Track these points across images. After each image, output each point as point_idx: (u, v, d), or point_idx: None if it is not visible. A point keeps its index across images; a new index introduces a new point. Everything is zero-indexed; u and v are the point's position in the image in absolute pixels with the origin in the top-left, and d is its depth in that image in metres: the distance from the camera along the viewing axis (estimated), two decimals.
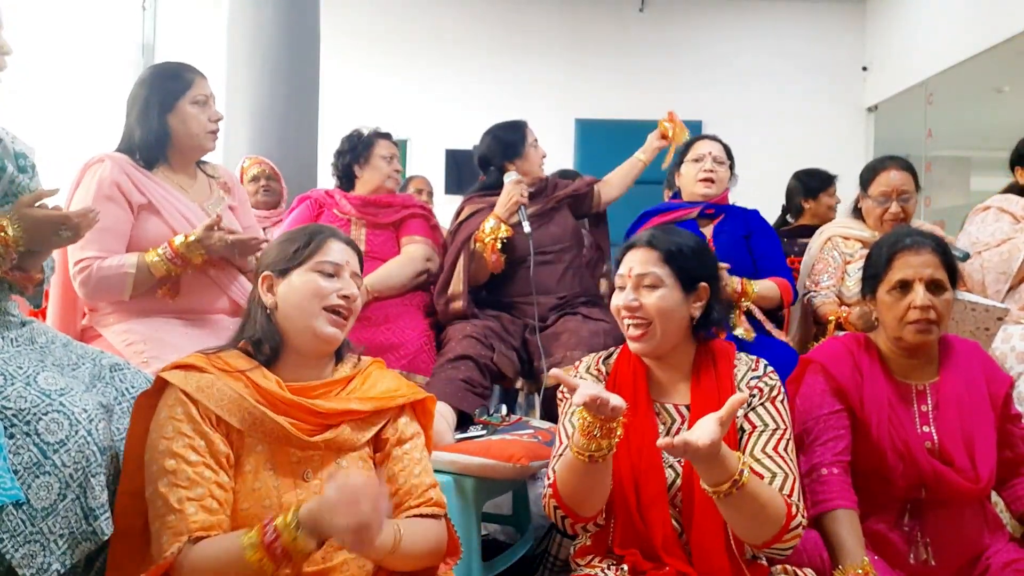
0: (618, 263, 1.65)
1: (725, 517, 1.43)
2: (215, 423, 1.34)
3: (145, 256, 2.01)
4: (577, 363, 1.70)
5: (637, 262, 1.60)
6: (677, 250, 1.60)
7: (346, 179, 2.85)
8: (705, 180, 2.65)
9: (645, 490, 1.51)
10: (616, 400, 1.34)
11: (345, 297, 1.45)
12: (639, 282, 1.59)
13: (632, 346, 1.60)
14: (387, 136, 2.86)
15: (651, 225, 2.65)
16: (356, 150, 2.83)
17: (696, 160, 2.69)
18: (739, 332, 2.37)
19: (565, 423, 1.59)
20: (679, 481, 1.52)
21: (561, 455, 1.52)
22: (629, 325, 1.59)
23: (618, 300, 1.61)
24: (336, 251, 1.48)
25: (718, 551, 1.47)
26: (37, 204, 1.58)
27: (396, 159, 2.83)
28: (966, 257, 2.44)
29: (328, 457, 1.41)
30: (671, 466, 1.54)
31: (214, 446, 1.32)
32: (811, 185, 3.86)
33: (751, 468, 1.41)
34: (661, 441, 1.32)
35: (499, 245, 2.49)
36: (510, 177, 2.56)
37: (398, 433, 1.48)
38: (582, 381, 1.40)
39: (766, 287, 2.48)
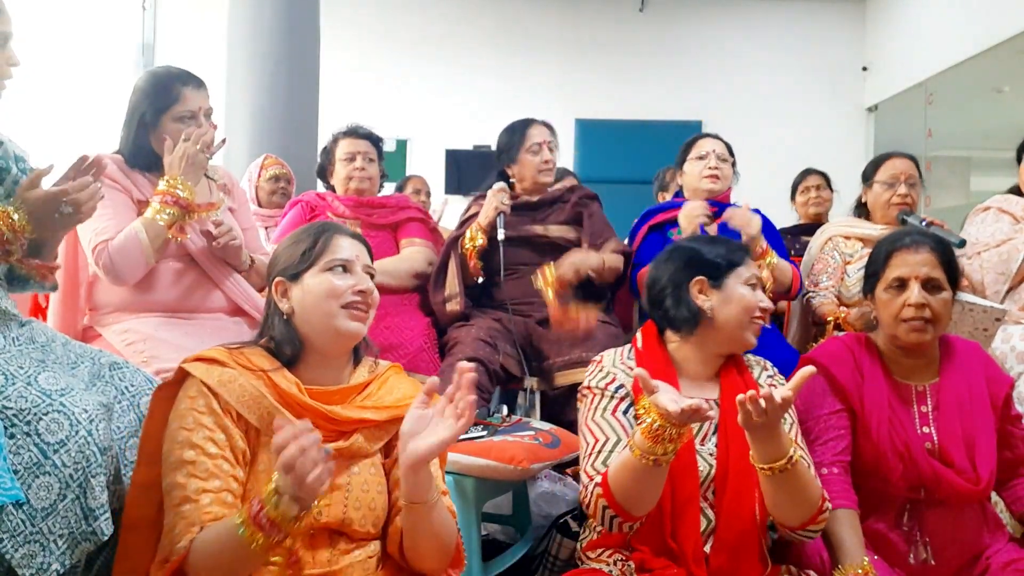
0: (736, 256, 1.70)
1: (770, 496, 1.48)
2: (236, 418, 1.33)
3: (144, 216, 2.00)
4: (599, 359, 1.70)
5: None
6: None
7: (327, 184, 2.87)
8: (711, 176, 2.66)
9: (680, 490, 1.52)
10: (707, 407, 1.37)
11: (361, 292, 1.43)
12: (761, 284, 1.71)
13: (751, 341, 1.66)
14: (352, 132, 2.79)
15: (656, 222, 2.67)
16: (323, 157, 2.85)
17: (700, 158, 2.69)
18: (764, 277, 2.40)
19: (597, 419, 1.61)
20: (713, 472, 1.56)
21: (600, 452, 1.55)
22: (759, 323, 1.66)
23: (760, 299, 1.66)
24: (345, 247, 1.46)
25: (748, 540, 1.51)
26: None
27: (360, 156, 2.75)
28: (962, 243, 2.45)
29: (341, 464, 1.39)
30: (704, 458, 1.57)
31: (233, 440, 1.32)
32: (792, 185, 4.10)
33: None
34: (742, 396, 1.37)
35: (477, 254, 2.54)
36: (497, 185, 2.59)
37: None
38: (663, 384, 1.42)
39: (783, 263, 2.51)
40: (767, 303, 1.67)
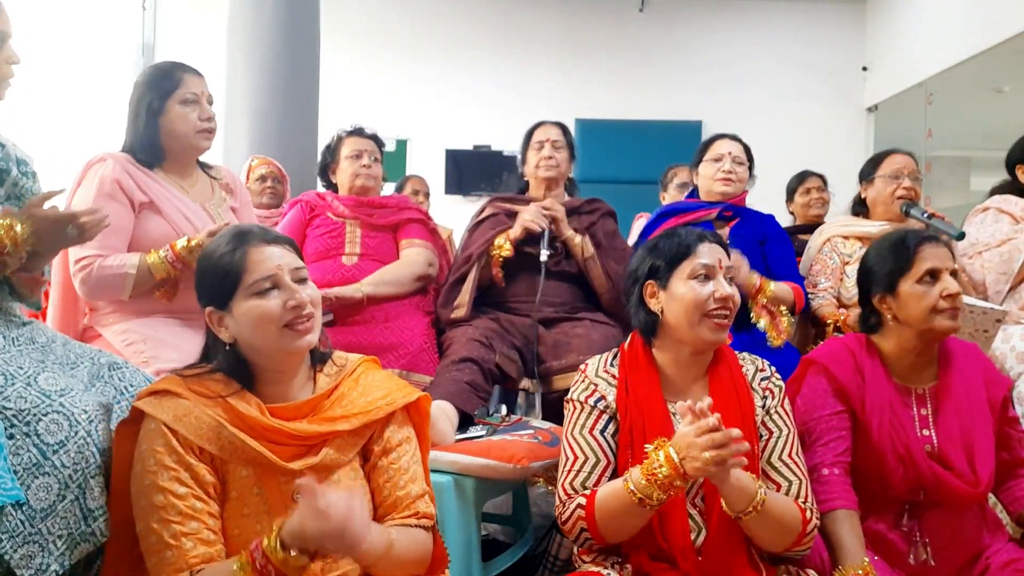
0: (679, 251, 1.61)
1: (748, 533, 1.47)
2: (198, 452, 1.30)
3: (146, 257, 2.01)
4: (583, 367, 1.67)
5: (723, 255, 1.61)
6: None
7: (327, 184, 2.86)
8: (724, 179, 2.64)
9: None
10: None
11: (296, 307, 1.35)
12: (727, 273, 1.60)
13: (717, 336, 1.57)
14: (358, 132, 2.80)
15: (670, 225, 2.66)
16: (326, 155, 2.85)
17: (715, 160, 2.67)
18: (762, 324, 2.42)
19: (575, 435, 1.59)
20: (701, 479, 1.52)
21: (578, 472, 1.54)
22: (719, 316, 1.56)
23: (713, 291, 1.56)
24: (264, 260, 1.36)
25: (738, 548, 1.49)
26: (46, 206, 1.58)
27: (367, 155, 2.75)
28: (962, 236, 2.47)
29: (319, 475, 1.36)
30: None
31: (200, 476, 1.29)
32: (789, 188, 4.06)
33: (770, 477, 1.51)
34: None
35: (501, 261, 2.53)
36: (533, 207, 2.58)
37: (384, 443, 1.44)
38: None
39: (782, 289, 2.49)
40: (724, 291, 1.56)
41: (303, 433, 1.36)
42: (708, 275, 1.58)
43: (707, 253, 1.59)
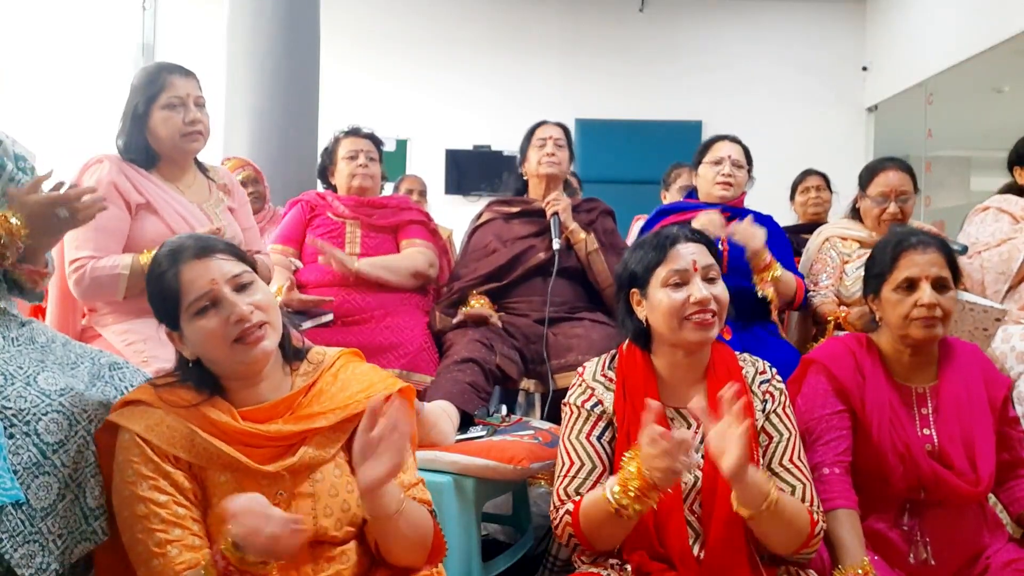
0: (653, 257, 1.58)
1: (757, 532, 1.46)
2: (174, 460, 1.30)
3: (139, 258, 2.01)
4: (580, 370, 1.66)
5: (700, 253, 1.57)
6: (714, 240, 1.64)
7: (327, 187, 2.87)
8: (723, 183, 2.64)
9: (662, 504, 1.49)
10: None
11: (239, 320, 1.32)
12: (705, 273, 1.55)
13: (701, 336, 1.53)
14: (354, 132, 2.81)
15: (668, 223, 2.66)
16: (324, 158, 2.86)
17: (715, 163, 2.67)
18: (767, 294, 2.42)
19: (572, 441, 1.58)
20: (699, 483, 1.52)
21: (573, 478, 1.54)
22: (699, 317, 1.52)
23: (687, 296, 1.52)
24: (197, 277, 1.33)
25: (739, 552, 1.48)
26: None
27: (363, 154, 2.75)
28: (964, 250, 2.45)
29: (301, 474, 1.36)
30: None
31: (179, 483, 1.29)
32: (792, 186, 4.11)
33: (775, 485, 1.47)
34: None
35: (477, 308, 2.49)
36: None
37: None
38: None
39: (788, 275, 2.49)
40: (699, 294, 1.51)
41: (278, 434, 1.35)
42: (681, 280, 1.54)
43: (680, 256, 1.55)
